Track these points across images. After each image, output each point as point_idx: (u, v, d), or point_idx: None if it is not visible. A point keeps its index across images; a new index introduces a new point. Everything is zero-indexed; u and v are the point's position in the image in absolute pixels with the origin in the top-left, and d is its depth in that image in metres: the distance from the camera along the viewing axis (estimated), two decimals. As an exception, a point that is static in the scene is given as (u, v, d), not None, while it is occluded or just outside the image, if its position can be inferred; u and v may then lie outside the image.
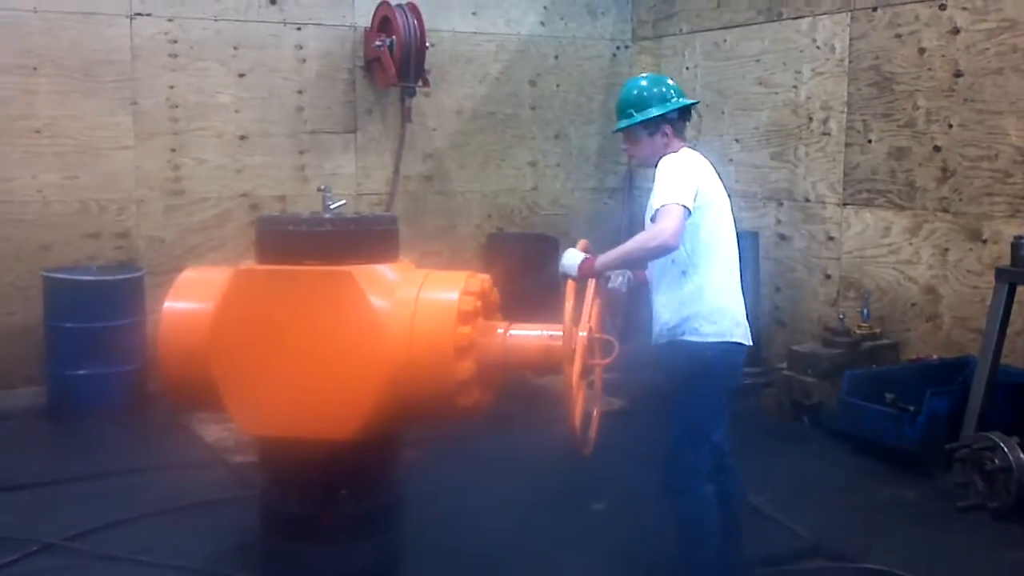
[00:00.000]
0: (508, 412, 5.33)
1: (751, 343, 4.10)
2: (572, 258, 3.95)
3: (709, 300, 3.94)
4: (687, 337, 3.95)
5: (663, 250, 3.77)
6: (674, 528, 4.03)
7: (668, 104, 4.10)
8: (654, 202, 3.84)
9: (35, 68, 6.93)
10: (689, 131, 7.83)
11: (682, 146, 4.13)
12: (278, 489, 4.21)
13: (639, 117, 4.09)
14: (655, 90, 4.13)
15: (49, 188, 7.04)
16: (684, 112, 4.17)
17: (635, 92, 4.15)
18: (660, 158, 4.04)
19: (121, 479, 5.53)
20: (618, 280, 4.12)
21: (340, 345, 3.88)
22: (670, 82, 4.20)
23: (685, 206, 3.76)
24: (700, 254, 3.94)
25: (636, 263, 4.01)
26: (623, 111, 4.16)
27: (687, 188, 3.82)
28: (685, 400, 3.98)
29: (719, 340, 3.95)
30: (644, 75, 4.36)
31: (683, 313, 3.95)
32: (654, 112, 4.07)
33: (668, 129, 4.10)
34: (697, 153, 4.14)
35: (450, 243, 8.38)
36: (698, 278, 3.94)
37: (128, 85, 7.22)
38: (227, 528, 4.84)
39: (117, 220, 7.27)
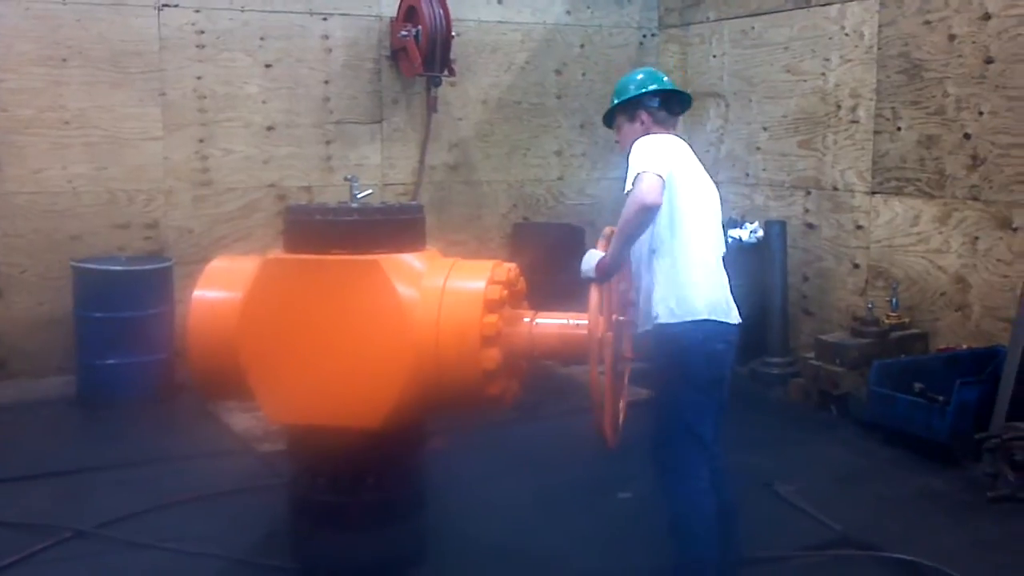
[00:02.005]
0: (534, 401, 5.34)
1: (737, 320, 3.98)
2: (590, 260, 3.85)
3: (680, 278, 3.85)
4: (661, 320, 3.86)
5: (646, 211, 3.67)
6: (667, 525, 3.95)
7: (640, 89, 4.12)
8: (629, 176, 3.78)
9: (64, 59, 6.99)
10: (716, 121, 7.80)
11: (663, 132, 4.09)
12: (306, 477, 4.24)
13: (615, 101, 4.18)
14: (636, 78, 4.20)
15: (79, 179, 7.10)
16: (667, 103, 4.17)
17: (619, 82, 4.24)
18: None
19: (150, 467, 5.58)
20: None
21: (367, 334, 3.90)
22: (644, 75, 4.22)
23: (659, 174, 3.69)
24: (669, 231, 3.87)
25: (633, 236, 3.79)
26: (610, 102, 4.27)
27: (660, 159, 3.76)
28: (668, 398, 3.91)
29: (692, 319, 3.83)
30: (642, 68, 4.50)
31: (657, 293, 3.88)
32: (624, 96, 4.13)
33: (644, 116, 4.11)
34: (678, 139, 4.07)
35: (476, 233, 8.39)
36: (668, 257, 3.87)
37: (156, 76, 7.26)
38: (256, 516, 4.88)
39: (145, 210, 7.32)
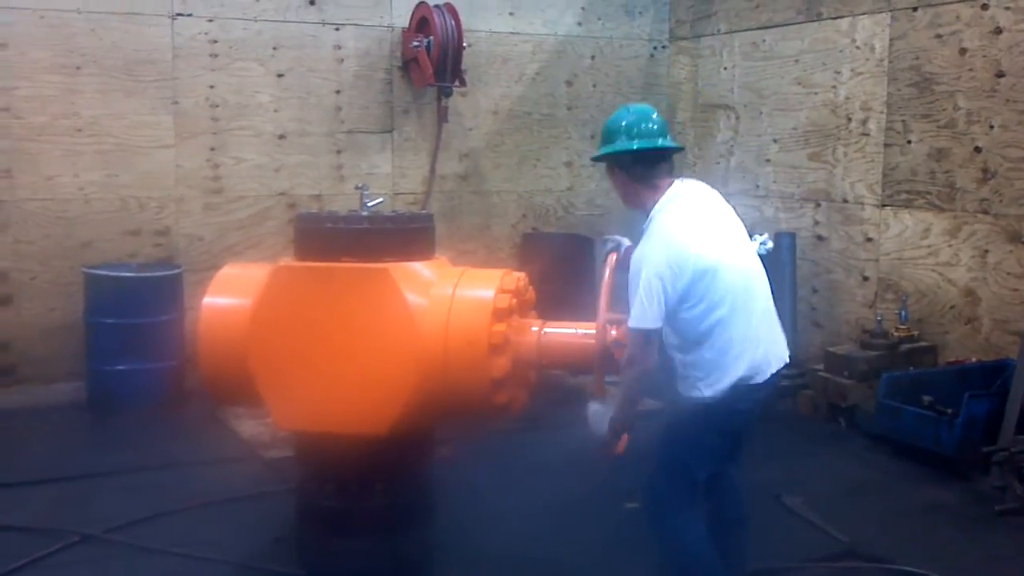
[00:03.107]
0: (542, 410, 5.34)
1: (768, 376, 3.78)
2: (599, 421, 3.80)
3: (708, 367, 3.68)
4: (689, 396, 3.74)
5: (643, 379, 3.68)
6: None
7: (606, 148, 3.86)
8: (628, 319, 3.65)
9: (78, 67, 7.04)
10: (726, 133, 7.69)
11: (653, 196, 3.78)
12: (314, 484, 4.25)
13: (594, 155, 3.99)
14: (610, 128, 3.89)
15: (90, 186, 7.14)
16: (645, 155, 3.79)
17: (605, 124, 3.95)
18: (630, 205, 3.87)
19: (159, 473, 5.60)
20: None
21: (376, 341, 3.91)
22: (625, 123, 3.84)
23: (648, 329, 3.59)
24: (695, 337, 3.68)
25: (635, 398, 3.78)
26: None
27: (654, 306, 3.57)
28: (671, 436, 3.85)
29: (715, 395, 3.70)
30: (630, 107, 4.00)
31: (682, 376, 3.74)
32: (597, 153, 3.93)
33: (621, 176, 3.83)
34: (679, 205, 3.75)
35: (485, 243, 8.40)
36: (695, 354, 3.70)
37: (169, 84, 7.30)
38: (263, 522, 4.89)
39: (157, 218, 7.35)
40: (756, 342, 3.76)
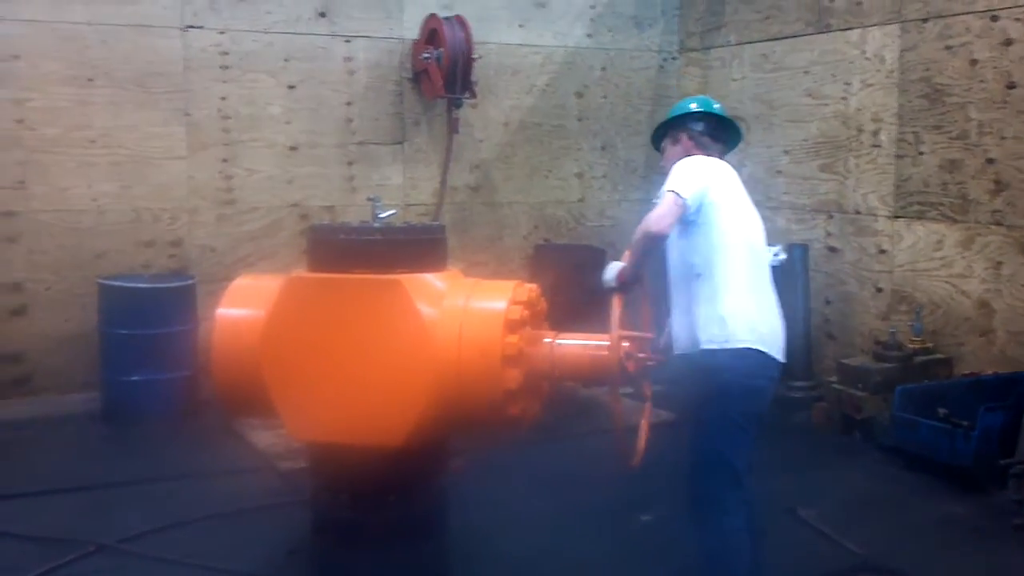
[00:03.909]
0: (555, 421, 5.34)
1: (779, 358, 3.91)
2: (611, 271, 3.94)
3: (723, 303, 3.81)
4: (703, 346, 3.81)
5: (651, 237, 3.78)
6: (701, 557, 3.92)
7: (684, 110, 4.22)
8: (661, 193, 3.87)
9: (90, 79, 7.07)
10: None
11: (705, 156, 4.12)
12: (328, 495, 4.26)
13: (661, 123, 4.28)
14: (682, 103, 4.33)
15: (104, 197, 7.17)
16: (712, 128, 4.18)
17: (671, 108, 4.34)
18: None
19: (173, 484, 5.60)
20: None
21: (389, 353, 3.92)
22: (696, 101, 4.31)
23: (681, 195, 3.76)
24: (715, 255, 3.85)
25: (645, 254, 3.88)
26: None
27: (691, 182, 3.82)
28: (701, 426, 3.87)
29: (731, 347, 3.77)
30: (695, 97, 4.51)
31: (698, 317, 3.84)
32: (670, 116, 4.24)
33: (686, 139, 4.15)
34: (721, 162, 4.09)
35: (496, 254, 8.40)
36: (713, 281, 3.83)
37: (181, 96, 7.33)
38: (278, 533, 4.88)
39: (170, 229, 7.38)
40: (766, 310, 3.92)
